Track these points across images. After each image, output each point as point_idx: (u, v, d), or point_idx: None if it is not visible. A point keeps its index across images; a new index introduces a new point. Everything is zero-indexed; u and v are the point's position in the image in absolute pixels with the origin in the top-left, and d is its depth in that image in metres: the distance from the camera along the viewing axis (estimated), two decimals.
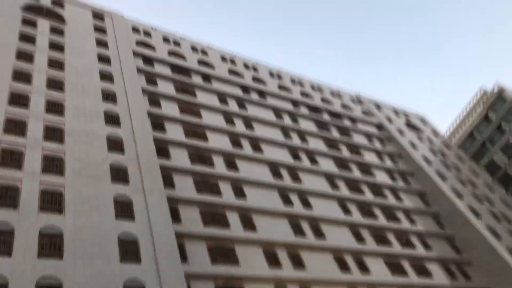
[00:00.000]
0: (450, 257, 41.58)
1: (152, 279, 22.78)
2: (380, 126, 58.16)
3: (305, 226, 34.38)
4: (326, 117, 52.31)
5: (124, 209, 25.66)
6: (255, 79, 50.98)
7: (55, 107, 29.95)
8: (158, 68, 41.95)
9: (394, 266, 36.39)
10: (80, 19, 42.12)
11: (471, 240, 43.70)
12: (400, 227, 40.98)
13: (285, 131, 44.92)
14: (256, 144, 40.02)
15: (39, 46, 35.02)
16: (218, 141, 37.25)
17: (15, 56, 32.43)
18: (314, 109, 52.52)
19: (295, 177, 38.95)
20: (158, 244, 24.44)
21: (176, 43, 48.62)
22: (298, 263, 30.95)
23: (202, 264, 26.80)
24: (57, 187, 24.66)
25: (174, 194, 29.73)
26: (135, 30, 46.34)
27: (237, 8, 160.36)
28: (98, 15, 44.44)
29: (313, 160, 42.85)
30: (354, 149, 49.53)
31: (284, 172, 38.73)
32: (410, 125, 63.27)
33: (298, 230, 33.56)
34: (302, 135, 46.04)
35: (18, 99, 28.87)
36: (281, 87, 52.71)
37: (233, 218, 31.07)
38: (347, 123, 53.95)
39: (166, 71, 42.34)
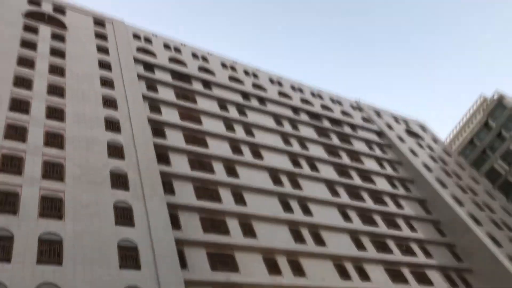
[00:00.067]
0: (450, 265, 41.42)
1: (152, 286, 22.68)
2: (380, 133, 58.19)
3: (305, 233, 34.29)
4: (326, 123, 52.35)
5: (124, 215, 25.62)
6: (255, 85, 51.07)
7: (55, 113, 29.98)
8: (159, 75, 42.05)
9: (395, 273, 36.24)
10: (81, 26, 42.29)
11: (471, 247, 43.55)
12: (401, 234, 40.86)
13: (285, 137, 44.93)
14: (256, 150, 40.01)
15: (40, 52, 35.12)
16: (218, 147, 37.25)
17: (16, 62, 32.49)
18: (314, 115, 52.57)
19: (295, 184, 38.90)
20: (158, 251, 24.37)
21: (177, 50, 48.78)
22: (298, 270, 30.81)
23: (202, 271, 26.68)
24: (57, 193, 24.63)
25: (174, 200, 29.68)
26: (136, 36, 46.51)
27: (237, 14, 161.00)
28: (99, 22, 44.62)
29: (313, 167, 42.81)
30: (354, 155, 49.52)
31: (284, 179, 38.68)
32: (410, 132, 63.29)
33: (298, 237, 33.46)
34: (302, 141, 46.05)
35: (19, 105, 28.91)
36: (281, 94, 52.80)
37: (233, 225, 30.99)
38: (347, 129, 53.98)
39: (167, 77, 42.44)
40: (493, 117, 64.06)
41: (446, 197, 48.33)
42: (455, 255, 43.34)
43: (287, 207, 35.64)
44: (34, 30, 37.43)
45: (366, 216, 40.61)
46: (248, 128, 42.43)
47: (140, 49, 44.43)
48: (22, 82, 30.96)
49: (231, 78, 49.27)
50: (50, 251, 21.73)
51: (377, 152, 53.38)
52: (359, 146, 52.11)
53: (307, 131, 48.44)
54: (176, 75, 43.81)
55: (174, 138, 35.38)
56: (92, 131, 30.17)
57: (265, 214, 33.31)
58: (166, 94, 40.01)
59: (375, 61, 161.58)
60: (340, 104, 59.95)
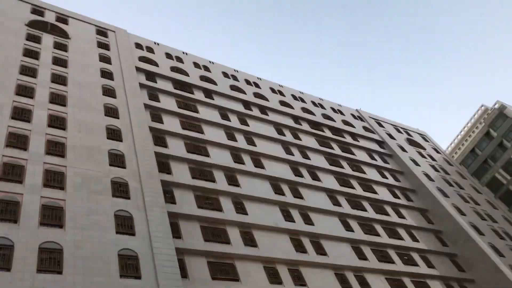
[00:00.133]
0: (452, 275, 41.17)
1: None
2: (381, 143, 58.18)
3: (306, 242, 34.16)
4: (327, 133, 52.37)
5: (124, 224, 25.57)
6: (257, 94, 51.20)
7: (57, 122, 30.06)
8: (161, 84, 42.19)
9: (396, 283, 36.02)
10: (84, 35, 42.56)
11: (473, 257, 43.32)
12: (402, 244, 40.66)
13: (287, 146, 44.94)
14: (257, 159, 40.01)
15: (43, 61, 35.31)
16: (219, 156, 37.26)
17: (18, 71, 32.66)
18: (315, 125, 52.62)
19: (296, 193, 38.83)
20: (158, 260, 24.29)
21: (179, 59, 49.01)
22: (299, 279, 30.65)
23: (202, 280, 26.54)
24: (58, 202, 24.62)
25: (175, 209, 29.62)
26: (138, 45, 46.77)
27: (239, 24, 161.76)
28: (101, 31, 44.91)
29: (314, 176, 42.75)
30: (356, 165, 49.46)
31: (285, 188, 38.63)
32: (411, 142, 63.27)
33: (299, 246, 33.33)
34: (304, 150, 46.05)
35: (21, 113, 29.00)
36: (282, 103, 52.90)
37: (234, 234, 30.90)
38: (348, 139, 53.98)
39: (168, 86, 42.58)
40: (494, 127, 64.04)
41: (448, 207, 48.18)
42: (457, 265, 43.09)
43: (288, 217, 35.55)
44: (37, 39, 37.67)
45: (367, 225, 40.47)
46: (249, 137, 42.46)
47: (142, 58, 44.63)
48: (24, 91, 31.09)
49: (233, 87, 49.41)
50: (50, 259, 21.65)
51: (379, 161, 53.34)
52: (360, 155, 52.07)
53: (308, 140, 48.45)
54: (177, 84, 43.97)
55: (175, 147, 35.41)
56: (94, 140, 30.23)
57: (266, 224, 33.22)
58: (167, 103, 40.12)
59: (376, 71, 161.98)
60: (341, 114, 60.04)
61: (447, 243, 45.33)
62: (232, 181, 35.49)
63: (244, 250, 30.03)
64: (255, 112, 47.40)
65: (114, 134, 31.93)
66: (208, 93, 45.52)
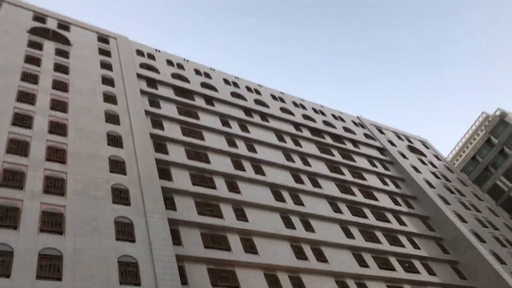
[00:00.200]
0: (453, 283, 40.97)
1: None
2: (382, 150, 58.14)
3: (307, 249, 34.03)
4: (328, 140, 52.35)
5: (124, 230, 25.50)
6: (258, 101, 51.25)
7: (58, 128, 30.08)
8: (162, 90, 42.25)
9: None
10: (85, 42, 42.71)
11: (475, 265, 43.13)
12: (403, 251, 40.51)
13: (287, 153, 44.90)
14: (258, 166, 39.97)
15: (44, 68, 35.39)
16: (220, 163, 37.22)
17: (20, 77, 32.73)
18: (316, 132, 52.61)
19: (297, 200, 38.74)
20: (159, 267, 24.20)
21: (180, 66, 49.13)
22: (299, 287, 30.52)
23: (202, 287, 26.49)
24: (58, 208, 24.57)
25: (175, 216, 29.56)
26: (139, 52, 46.90)
27: (240, 31, 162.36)
28: (103, 38, 45.06)
29: (315, 183, 42.68)
30: (356, 172, 49.39)
31: (286, 195, 38.55)
32: (412, 149, 63.22)
33: (299, 253, 33.21)
34: (304, 157, 46.00)
35: (22, 120, 29.03)
36: (283, 110, 52.93)
37: (234, 241, 30.80)
38: (349, 146, 53.94)
39: (169, 93, 42.64)
40: (495, 134, 64.03)
41: (449, 214, 48.05)
42: (459, 272, 42.89)
43: (288, 223, 35.45)
44: (39, 46, 37.80)
45: (368, 232, 40.34)
46: (250, 144, 42.45)
47: (143, 65, 44.74)
48: (26, 97, 31.15)
49: (234, 94, 49.48)
50: (50, 266, 21.58)
51: (379, 168, 53.26)
52: (361, 162, 52.01)
53: (309, 147, 48.42)
54: (178, 91, 44.03)
55: (176, 154, 35.39)
56: (94, 146, 30.23)
57: (267, 231, 33.12)
58: (168, 109, 40.17)
59: (377, 78, 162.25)
60: (342, 120, 60.05)
61: (448, 250, 45.15)
62: (233, 188, 35.43)
63: (244, 257, 29.92)
64: (256, 119, 47.43)
65: (114, 140, 31.93)
66: (209, 100, 45.58)
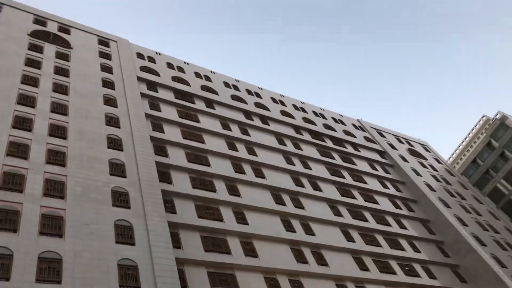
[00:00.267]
0: (454, 286, 40.82)
1: None
2: (382, 153, 58.10)
3: (307, 253, 33.98)
4: (328, 143, 52.32)
5: (124, 233, 25.47)
6: (258, 104, 51.25)
7: (58, 131, 30.08)
8: (162, 93, 42.28)
9: None
10: (86, 45, 42.76)
11: (475, 268, 43.04)
12: (404, 255, 40.43)
13: (288, 156, 44.88)
14: (258, 169, 39.94)
15: (45, 71, 35.42)
16: (220, 166, 37.20)
17: (20, 80, 32.75)
18: (316, 135, 52.60)
19: (298, 203, 38.68)
20: (158, 270, 24.15)
21: (180, 69, 49.18)
22: None
23: None
24: (58, 211, 24.55)
25: (175, 219, 29.52)
26: (140, 55, 46.96)
27: (241, 34, 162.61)
28: (103, 41, 45.14)
29: (315, 186, 42.63)
30: (357, 175, 49.34)
31: (286, 198, 38.50)
32: (413, 152, 63.17)
33: (300, 257, 33.14)
34: (305, 160, 45.97)
35: (22, 123, 29.02)
36: (283, 113, 52.93)
37: (234, 244, 30.75)
38: (349, 149, 53.91)
39: (170, 96, 42.66)
40: (496, 137, 64.02)
41: (450, 217, 47.96)
42: (459, 276, 42.79)
43: (289, 227, 35.40)
44: (39, 49, 37.84)
45: (368, 236, 40.27)
46: (251, 147, 42.44)
47: (143, 68, 44.78)
48: (26, 100, 31.15)
49: (234, 97, 49.49)
50: (49, 269, 21.55)
51: (380, 171, 53.20)
52: (361, 165, 51.97)
53: (309, 150, 48.39)
54: (178, 93, 44.05)
55: (176, 157, 35.38)
56: (94, 149, 30.22)
57: (267, 234, 33.07)
58: (168, 112, 40.17)
59: (378, 81, 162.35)
60: (342, 124, 60.04)
61: (449, 253, 45.06)
62: (233, 191, 35.40)
63: (244, 260, 29.87)
64: (256, 122, 47.43)
65: (114, 143, 31.93)
66: (209, 103, 45.59)
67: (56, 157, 27.92)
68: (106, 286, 22.15)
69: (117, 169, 29.74)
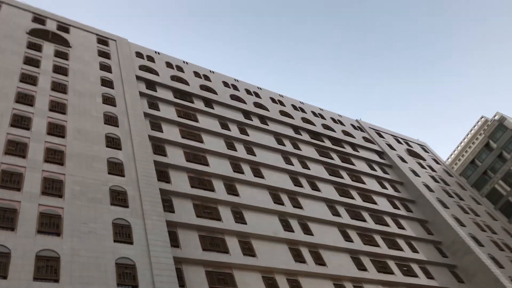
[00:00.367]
0: (451, 286, 40.91)
1: None
2: (381, 153, 58.16)
3: (305, 252, 34.01)
4: (327, 143, 52.36)
5: (122, 232, 25.46)
6: (257, 104, 51.26)
7: (56, 130, 30.06)
8: (161, 92, 42.26)
9: None
10: (85, 43, 42.73)
11: (473, 269, 43.13)
12: (401, 255, 40.48)
13: (286, 156, 44.90)
14: (257, 169, 39.95)
15: (43, 69, 35.37)
16: (218, 166, 37.20)
17: (19, 78, 32.71)
18: (315, 135, 52.63)
19: (296, 203, 38.71)
20: (156, 269, 24.14)
21: (179, 68, 49.16)
22: None
23: None
24: (56, 210, 24.53)
25: (174, 218, 29.52)
26: (139, 54, 46.94)
27: (240, 34, 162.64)
28: (102, 40, 45.10)
29: (314, 186, 42.67)
30: (355, 175, 49.38)
31: (284, 198, 38.53)
32: (411, 152, 63.25)
33: (298, 256, 33.17)
34: (303, 160, 45.99)
35: (20, 121, 29.00)
36: (282, 113, 52.95)
37: (233, 244, 30.77)
38: (348, 149, 53.96)
39: (169, 95, 42.65)
40: (494, 138, 64.13)
41: (448, 217, 48.04)
42: (457, 276, 42.87)
43: (287, 226, 35.43)
44: (38, 48, 37.79)
45: (366, 236, 40.31)
46: (249, 147, 42.45)
47: (142, 67, 44.76)
48: (24, 99, 31.12)
49: (233, 97, 49.49)
50: (47, 268, 21.52)
51: (378, 172, 53.25)
52: (360, 165, 52.02)
53: (308, 150, 48.42)
54: (177, 93, 44.04)
55: (175, 156, 35.38)
56: (93, 148, 30.20)
57: (265, 233, 33.09)
58: (167, 112, 40.17)
59: (377, 82, 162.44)
60: (341, 124, 60.08)
61: (446, 254, 45.14)
62: (231, 191, 35.41)
63: (242, 259, 29.89)
64: (255, 121, 47.44)
65: (113, 142, 31.92)
66: (208, 102, 45.59)
67: (54, 156, 27.90)
68: (104, 285, 22.14)
69: (115, 168, 29.73)
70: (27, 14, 41.52)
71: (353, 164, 51.26)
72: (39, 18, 42.18)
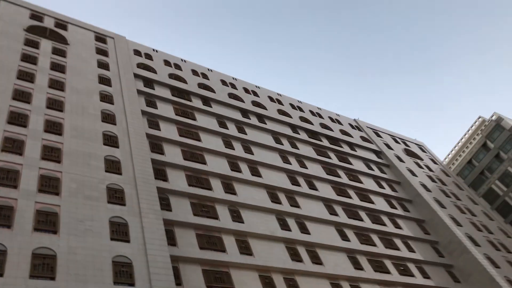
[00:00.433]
0: (448, 286, 40.99)
1: None
2: (378, 153, 58.21)
3: (302, 251, 34.02)
4: (325, 142, 52.37)
5: (119, 230, 25.40)
6: (255, 103, 51.22)
7: (53, 127, 29.97)
8: (158, 90, 42.17)
9: None
10: (83, 41, 42.60)
11: (469, 268, 43.23)
12: (398, 254, 40.54)
13: (284, 155, 44.89)
14: (254, 168, 39.93)
15: (41, 67, 35.26)
16: (216, 164, 37.17)
17: (16, 75, 32.59)
18: (313, 134, 52.63)
19: (293, 202, 38.72)
20: (153, 267, 24.10)
21: (177, 66, 49.06)
22: None
23: None
24: (53, 207, 24.46)
25: (171, 216, 29.48)
26: (137, 52, 46.82)
27: (238, 32, 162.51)
28: (100, 37, 44.97)
29: (311, 185, 42.68)
30: (353, 174, 49.42)
31: (282, 197, 38.53)
32: (409, 152, 63.32)
33: (295, 255, 33.19)
34: (301, 159, 46.00)
35: (17, 118, 28.89)
36: (280, 112, 52.93)
37: (230, 242, 30.76)
38: (345, 148, 53.98)
39: (166, 93, 42.56)
40: (491, 138, 64.25)
41: (445, 217, 48.13)
42: (453, 276, 42.96)
43: (284, 225, 35.43)
44: (35, 45, 37.66)
45: (363, 235, 40.35)
46: (247, 146, 42.42)
47: (140, 65, 44.65)
48: (21, 96, 31.01)
49: (231, 95, 49.44)
50: (43, 265, 21.47)
51: (376, 171, 53.30)
52: (357, 165, 52.06)
53: (305, 150, 48.42)
54: (175, 91, 43.96)
55: (172, 154, 35.33)
56: (90, 146, 30.13)
57: (262, 232, 33.08)
58: (165, 110, 40.09)
59: (375, 81, 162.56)
60: (339, 123, 60.10)
61: (443, 253, 45.23)
62: (229, 189, 35.39)
63: (239, 258, 29.89)
64: (253, 120, 47.41)
65: (110, 140, 31.84)
66: (206, 101, 45.53)
67: (51, 153, 27.81)
68: (100, 283, 22.09)
69: (112, 166, 29.66)
70: (24, 11, 41.36)
71: (351, 164, 51.30)
72: (36, 15, 42.03)
